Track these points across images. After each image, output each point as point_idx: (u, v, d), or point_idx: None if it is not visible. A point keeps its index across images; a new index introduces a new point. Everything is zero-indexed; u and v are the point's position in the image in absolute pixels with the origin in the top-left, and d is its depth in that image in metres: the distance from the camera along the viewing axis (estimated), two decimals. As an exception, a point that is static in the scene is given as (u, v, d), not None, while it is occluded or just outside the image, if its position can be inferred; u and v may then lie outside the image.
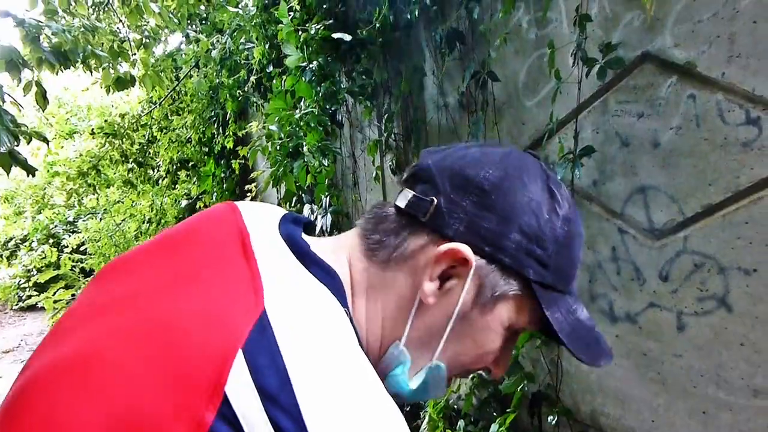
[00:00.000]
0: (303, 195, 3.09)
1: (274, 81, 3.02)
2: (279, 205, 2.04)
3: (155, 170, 5.87)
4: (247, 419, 0.39)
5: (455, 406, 2.23)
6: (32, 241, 8.65)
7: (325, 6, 2.58)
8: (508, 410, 1.80)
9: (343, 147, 2.97)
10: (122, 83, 3.03)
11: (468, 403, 2.05)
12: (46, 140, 2.40)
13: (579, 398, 1.76)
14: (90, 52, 2.60)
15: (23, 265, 8.57)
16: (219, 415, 0.38)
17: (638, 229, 1.50)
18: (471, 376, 2.09)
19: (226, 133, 4.25)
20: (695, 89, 1.33)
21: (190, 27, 4.29)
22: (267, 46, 3.03)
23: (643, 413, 1.56)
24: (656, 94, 1.41)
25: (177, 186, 5.59)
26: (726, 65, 1.26)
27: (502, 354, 0.58)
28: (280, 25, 2.28)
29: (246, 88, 3.58)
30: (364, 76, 2.45)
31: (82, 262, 6.89)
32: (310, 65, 2.32)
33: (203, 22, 4.37)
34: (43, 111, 2.61)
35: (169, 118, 5.18)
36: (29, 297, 8.28)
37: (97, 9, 3.61)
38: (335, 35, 2.26)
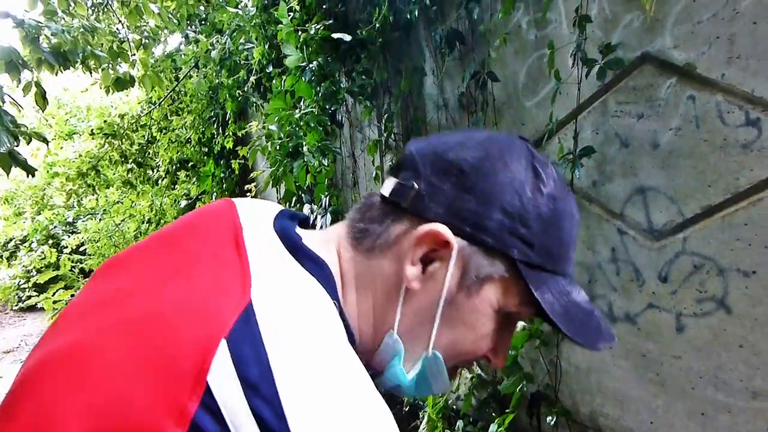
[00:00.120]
0: (303, 195, 3.09)
1: (274, 81, 3.02)
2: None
3: (155, 170, 5.87)
4: (228, 409, 0.39)
5: (454, 407, 2.23)
6: (32, 242, 8.65)
7: (324, 6, 2.58)
8: (507, 411, 1.80)
9: (342, 147, 2.97)
10: (122, 84, 3.03)
11: (467, 404, 2.04)
12: (45, 141, 2.40)
13: (578, 399, 1.76)
14: (89, 52, 2.60)
15: (23, 266, 8.57)
16: (201, 405, 0.38)
17: (638, 230, 1.50)
18: (470, 376, 2.10)
19: (226, 133, 4.25)
20: (695, 90, 1.33)
21: (189, 27, 4.30)
22: (266, 47, 3.03)
23: (641, 414, 1.56)
24: (656, 95, 1.41)
25: (176, 186, 5.59)
26: (726, 66, 1.26)
27: (500, 342, 0.57)
28: (280, 25, 2.28)
29: (246, 89, 3.59)
30: (363, 76, 2.45)
31: (81, 263, 6.89)
32: (310, 65, 2.32)
33: (203, 22, 4.38)
34: (43, 111, 2.61)
35: (169, 118, 5.18)
36: (29, 297, 8.27)
37: (96, 9, 3.61)
38: (335, 35, 2.26)
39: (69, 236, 8.17)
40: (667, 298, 1.45)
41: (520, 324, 1.75)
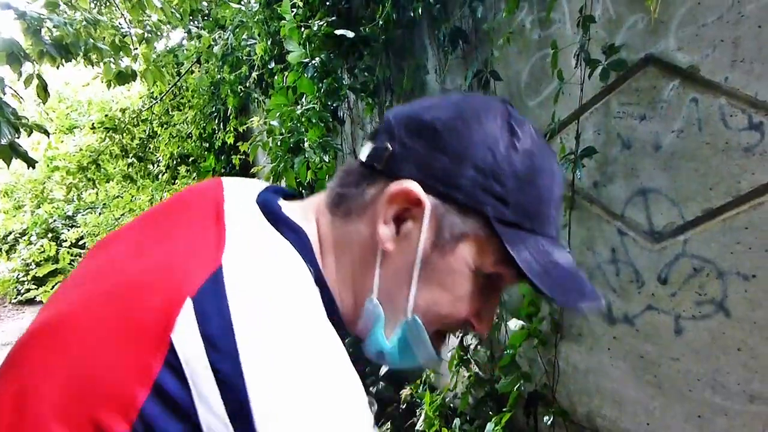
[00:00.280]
0: (303, 191, 3.09)
1: (276, 77, 3.01)
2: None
3: (155, 165, 5.87)
4: (190, 366, 0.39)
5: (451, 405, 2.23)
6: (31, 235, 8.65)
7: (328, 3, 2.57)
8: (504, 410, 1.81)
9: (344, 143, 2.96)
10: (123, 78, 3.03)
11: (464, 402, 2.05)
12: (47, 133, 2.40)
13: (575, 399, 1.76)
14: (92, 45, 2.59)
15: (22, 259, 8.58)
16: (165, 364, 0.39)
17: (638, 231, 1.50)
18: (468, 375, 2.10)
19: (227, 129, 4.25)
20: (698, 93, 1.33)
21: (192, 23, 4.29)
22: (269, 43, 3.02)
23: (639, 416, 1.56)
24: (659, 96, 1.41)
25: (177, 181, 5.59)
26: (730, 69, 1.26)
27: (484, 307, 0.56)
28: (283, 21, 2.28)
29: (247, 84, 3.58)
30: (366, 73, 2.44)
31: (80, 257, 6.89)
32: (313, 61, 2.31)
33: (205, 17, 4.37)
34: (44, 104, 2.61)
35: (170, 113, 5.18)
36: (28, 290, 8.28)
37: (98, 3, 3.61)
38: (338, 32, 2.26)
39: (68, 230, 8.17)
40: (667, 300, 1.45)
41: (519, 323, 1.76)
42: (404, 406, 2.34)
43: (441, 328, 0.56)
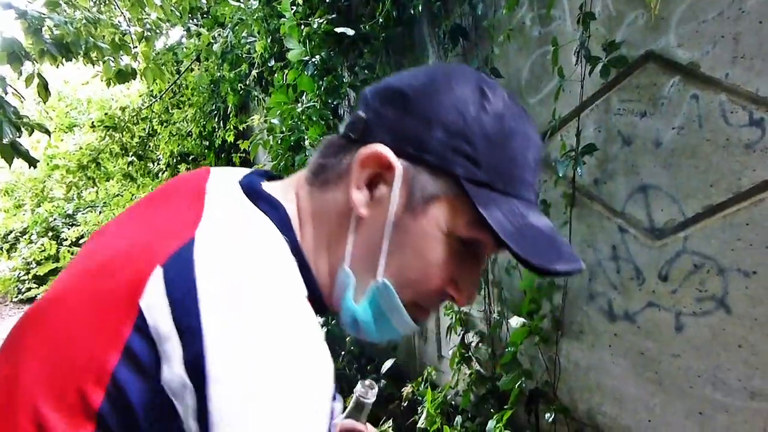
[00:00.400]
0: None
1: (276, 75, 3.01)
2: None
3: (155, 163, 5.87)
4: (158, 328, 0.40)
5: (453, 402, 2.24)
6: (32, 234, 8.65)
7: (327, 0, 2.57)
8: (505, 407, 1.81)
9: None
10: (123, 76, 3.03)
11: (466, 399, 2.05)
12: (48, 132, 2.40)
13: (576, 396, 1.77)
14: (92, 44, 2.59)
15: (23, 258, 8.58)
16: (135, 328, 0.40)
17: (639, 228, 1.50)
18: (469, 372, 2.10)
19: (227, 127, 4.25)
20: (698, 89, 1.32)
21: (191, 20, 4.28)
22: (269, 40, 3.02)
23: (639, 412, 1.57)
24: (659, 93, 1.41)
25: (177, 180, 5.58)
26: (730, 66, 1.25)
27: (461, 276, 0.54)
28: (283, 19, 2.27)
29: (247, 82, 3.58)
30: (366, 71, 2.44)
31: (81, 255, 6.89)
32: (313, 59, 2.31)
33: (205, 15, 4.36)
34: (45, 103, 2.60)
35: (170, 111, 5.17)
36: (29, 289, 8.28)
37: (98, 1, 3.60)
38: (338, 29, 2.26)
39: (69, 228, 8.18)
40: (667, 296, 1.45)
41: (520, 320, 1.76)
42: (406, 404, 2.35)
43: (418, 299, 0.55)
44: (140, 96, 5.91)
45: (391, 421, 2.33)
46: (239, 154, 4.25)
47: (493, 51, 1.84)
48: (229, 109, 4.24)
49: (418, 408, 2.27)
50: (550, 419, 1.73)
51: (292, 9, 2.30)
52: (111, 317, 0.41)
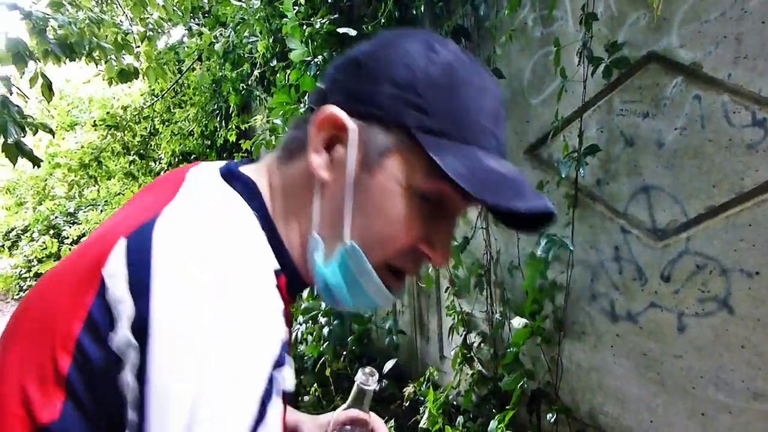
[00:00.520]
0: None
1: (278, 75, 3.01)
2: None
3: (157, 162, 5.87)
4: (114, 293, 0.42)
5: (454, 402, 2.24)
6: (33, 232, 8.65)
7: (329, 0, 2.57)
8: (507, 407, 1.81)
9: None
10: (125, 75, 3.03)
11: (467, 400, 2.05)
12: (52, 132, 2.41)
13: (578, 396, 1.77)
14: (95, 44, 2.59)
15: (24, 256, 8.58)
16: (97, 295, 0.43)
17: (641, 229, 1.50)
18: (471, 372, 2.10)
19: (229, 127, 4.25)
20: (701, 90, 1.32)
21: (193, 20, 4.28)
22: (271, 40, 3.02)
23: (642, 413, 1.57)
24: (661, 94, 1.41)
25: (179, 179, 5.58)
26: (733, 66, 1.25)
27: (434, 233, 0.54)
28: (285, 19, 2.28)
29: (249, 82, 3.58)
30: (368, 72, 2.44)
31: (83, 254, 6.90)
32: (315, 59, 2.31)
33: (206, 15, 4.36)
34: (49, 102, 2.61)
35: (172, 110, 5.18)
36: (30, 287, 8.27)
37: (100, 1, 3.60)
38: (340, 30, 2.26)
39: (70, 227, 8.18)
40: (670, 297, 1.45)
41: (522, 321, 1.76)
42: (407, 404, 2.35)
43: (389, 260, 0.54)
44: (142, 95, 5.91)
45: (392, 421, 2.33)
46: (241, 153, 4.24)
47: (495, 51, 1.84)
48: (231, 109, 4.24)
49: (420, 408, 2.27)
50: (552, 420, 1.73)
51: (294, 9, 2.30)
52: (79, 289, 0.44)
